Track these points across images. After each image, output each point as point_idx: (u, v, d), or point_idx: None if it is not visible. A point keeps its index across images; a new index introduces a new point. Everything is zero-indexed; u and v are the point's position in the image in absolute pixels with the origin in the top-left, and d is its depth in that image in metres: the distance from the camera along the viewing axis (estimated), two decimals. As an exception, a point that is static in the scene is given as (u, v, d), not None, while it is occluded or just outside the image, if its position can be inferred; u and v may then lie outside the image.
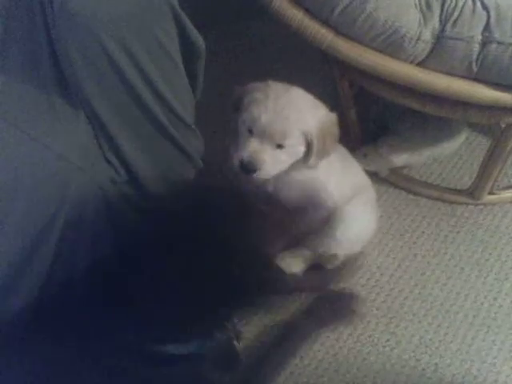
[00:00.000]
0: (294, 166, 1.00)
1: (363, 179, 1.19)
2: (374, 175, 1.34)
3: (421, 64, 1.03)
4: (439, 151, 1.37)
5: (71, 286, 0.89)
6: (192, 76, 0.93)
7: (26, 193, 0.78)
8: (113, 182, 0.88)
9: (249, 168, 0.94)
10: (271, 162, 0.95)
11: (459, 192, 1.34)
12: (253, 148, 0.94)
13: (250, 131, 0.95)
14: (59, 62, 0.80)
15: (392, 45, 1.00)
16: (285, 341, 1.04)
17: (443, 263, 1.23)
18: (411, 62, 1.02)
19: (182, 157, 0.96)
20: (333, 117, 0.99)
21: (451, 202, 1.33)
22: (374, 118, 1.41)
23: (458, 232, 1.29)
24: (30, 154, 0.78)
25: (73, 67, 0.78)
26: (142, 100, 0.83)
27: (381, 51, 1.02)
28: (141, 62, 0.79)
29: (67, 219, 0.83)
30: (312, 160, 0.98)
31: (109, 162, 0.87)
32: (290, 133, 0.94)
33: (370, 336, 1.11)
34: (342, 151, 1.15)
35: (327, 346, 1.08)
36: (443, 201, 1.34)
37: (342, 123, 1.32)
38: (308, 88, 1.01)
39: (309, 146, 0.97)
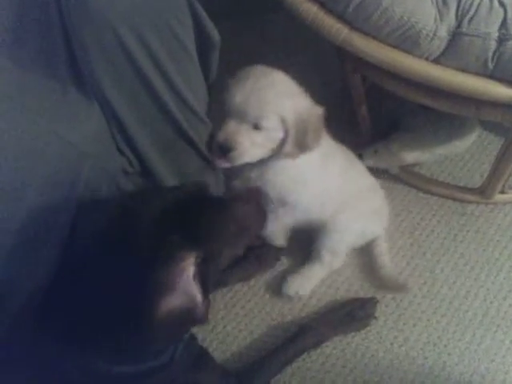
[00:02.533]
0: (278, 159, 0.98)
1: (368, 183, 1.18)
2: (384, 172, 1.34)
3: (436, 60, 1.02)
4: (451, 149, 1.36)
5: (81, 275, 0.88)
6: (205, 68, 0.92)
7: (38, 181, 0.77)
8: (125, 172, 0.87)
9: (224, 148, 0.92)
10: (247, 143, 0.92)
11: (470, 190, 1.33)
12: (228, 128, 0.92)
13: (228, 113, 0.92)
14: (73, 52, 0.80)
15: (407, 40, 0.99)
16: (295, 341, 1.04)
17: (453, 262, 1.22)
18: (426, 59, 1.01)
19: (191, 150, 0.95)
20: (318, 110, 0.96)
21: (462, 201, 1.33)
22: (386, 114, 1.40)
23: (468, 231, 1.28)
24: (43, 143, 0.77)
25: (87, 57, 0.77)
26: (155, 90, 0.82)
27: (396, 47, 1.01)
28: (155, 53, 0.79)
29: (79, 208, 0.82)
30: (288, 149, 0.95)
31: (121, 152, 0.86)
32: (266, 114, 0.91)
33: (378, 333, 1.11)
34: (347, 155, 1.14)
35: (335, 342, 1.09)
36: (454, 199, 1.33)
37: (353, 119, 1.35)
38: (319, 83, 1.01)
39: (286, 136, 0.94)
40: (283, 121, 0.92)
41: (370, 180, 1.19)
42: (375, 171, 1.31)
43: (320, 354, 1.07)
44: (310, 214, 1.09)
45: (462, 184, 1.36)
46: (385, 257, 1.17)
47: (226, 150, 0.91)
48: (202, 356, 0.92)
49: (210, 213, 0.76)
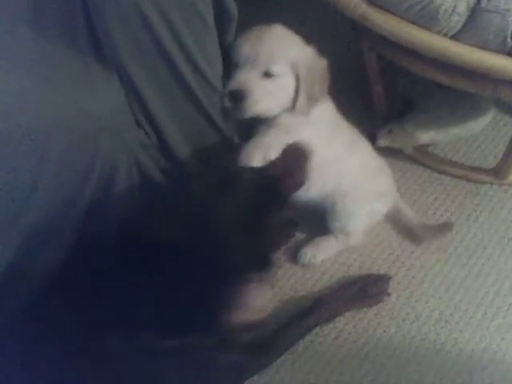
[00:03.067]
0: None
1: (375, 163, 1.17)
2: (398, 152, 1.34)
3: (454, 37, 1.01)
4: (465, 129, 1.36)
5: (101, 249, 0.90)
6: (221, 41, 0.92)
7: (58, 153, 0.79)
8: (143, 145, 0.88)
9: (236, 96, 0.91)
10: (259, 90, 0.92)
11: (484, 171, 1.33)
12: (239, 77, 0.92)
13: (236, 64, 0.93)
14: (93, 25, 0.81)
15: (426, 16, 0.99)
16: (308, 315, 1.05)
17: (465, 241, 1.23)
18: (444, 35, 1.01)
19: (206, 122, 0.96)
20: (324, 61, 0.97)
21: (475, 181, 1.33)
22: (401, 94, 1.40)
23: (482, 211, 1.28)
24: (64, 114, 0.79)
25: (108, 30, 0.78)
26: (174, 63, 0.83)
27: (414, 22, 1.01)
28: (175, 26, 0.79)
29: (98, 181, 0.84)
30: (300, 101, 0.95)
31: (139, 125, 0.87)
32: (276, 59, 0.92)
33: (390, 309, 1.12)
34: (354, 132, 1.13)
35: (347, 317, 1.10)
36: (467, 179, 1.33)
37: (368, 99, 1.35)
38: (334, 63, 1.01)
39: (297, 85, 0.95)
40: (294, 66, 0.93)
41: (376, 160, 1.18)
42: (389, 151, 1.31)
43: (332, 329, 1.08)
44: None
45: (476, 164, 1.36)
46: (410, 213, 1.19)
47: (238, 98, 0.91)
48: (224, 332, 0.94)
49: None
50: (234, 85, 0.92)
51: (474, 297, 1.14)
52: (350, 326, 1.09)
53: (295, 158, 0.93)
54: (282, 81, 0.94)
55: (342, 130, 1.09)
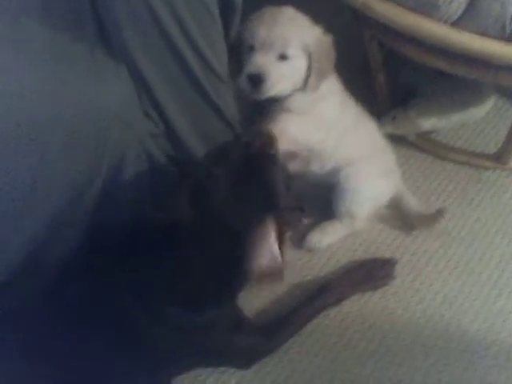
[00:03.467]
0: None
1: (380, 143, 1.21)
2: (401, 139, 1.36)
3: (454, 24, 1.03)
4: (467, 116, 1.38)
5: (113, 235, 0.93)
6: (225, 30, 0.94)
7: (69, 142, 0.81)
8: (151, 134, 0.91)
9: (256, 80, 0.96)
10: (276, 73, 0.97)
11: (486, 157, 1.35)
12: (257, 61, 0.97)
13: (252, 47, 0.98)
14: (102, 19, 0.83)
15: (426, 4, 1.01)
16: (316, 298, 1.08)
17: (468, 225, 1.25)
18: (445, 22, 1.03)
19: (213, 112, 0.98)
20: (329, 38, 1.02)
21: (478, 167, 1.35)
22: (403, 81, 1.42)
23: (484, 196, 1.30)
24: (73, 105, 0.81)
25: (115, 19, 0.80)
26: (180, 52, 0.85)
27: (415, 10, 1.03)
28: (181, 15, 0.81)
29: (108, 170, 0.86)
30: (312, 79, 1.01)
31: (148, 115, 0.89)
32: (291, 40, 0.97)
33: (395, 292, 1.14)
34: (359, 110, 1.17)
35: (353, 300, 1.12)
36: (470, 165, 1.35)
37: (371, 86, 1.37)
38: (337, 52, 1.04)
39: (308, 64, 1.00)
40: (306, 48, 0.98)
41: (381, 140, 1.21)
42: (392, 138, 1.33)
43: (339, 312, 1.10)
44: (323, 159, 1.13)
45: (478, 150, 1.38)
46: (412, 200, 1.22)
47: (257, 80, 0.96)
48: (237, 312, 0.97)
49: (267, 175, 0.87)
50: (252, 68, 0.97)
51: (477, 279, 1.16)
52: (356, 309, 1.11)
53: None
54: (295, 62, 0.99)
55: (350, 104, 1.13)
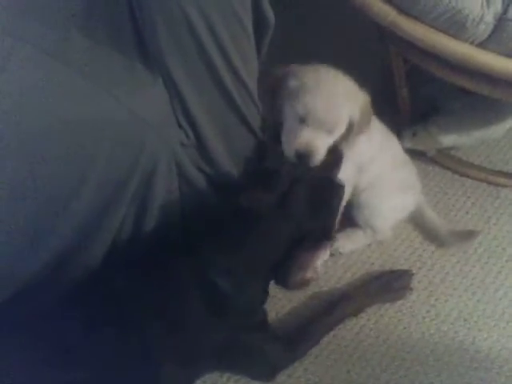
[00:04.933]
0: None
1: (402, 157, 1.22)
2: (421, 154, 1.37)
3: (480, 45, 1.04)
4: (488, 133, 1.39)
5: (137, 246, 0.95)
6: (257, 49, 0.96)
7: (106, 151, 0.83)
8: (182, 145, 0.92)
9: (303, 155, 0.97)
10: (323, 150, 0.98)
11: (505, 175, 1.36)
12: (307, 137, 0.97)
13: (303, 120, 0.97)
14: (140, 30, 0.85)
15: (454, 25, 1.02)
16: (336, 308, 1.09)
17: (485, 243, 1.26)
18: (471, 43, 1.04)
19: (243, 126, 1.00)
20: (368, 98, 1.02)
21: (496, 184, 1.36)
22: (425, 96, 1.43)
23: (502, 213, 1.31)
24: (111, 113, 0.83)
25: (154, 34, 0.82)
26: (216, 69, 0.87)
27: (442, 31, 1.04)
28: (219, 33, 0.83)
29: (141, 176, 0.88)
30: (350, 139, 1.01)
31: (180, 126, 0.91)
32: (342, 121, 0.98)
33: (410, 307, 1.16)
34: (383, 127, 1.17)
35: (369, 313, 1.14)
36: (488, 183, 1.36)
37: (393, 101, 1.38)
38: (360, 64, 1.04)
39: (349, 127, 1.00)
40: (351, 118, 0.99)
41: (403, 155, 1.23)
42: (412, 153, 1.34)
43: (355, 325, 1.12)
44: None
45: (497, 168, 1.39)
46: (434, 216, 1.24)
47: (305, 156, 0.97)
48: (257, 315, 0.99)
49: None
50: (302, 145, 0.97)
51: (492, 297, 1.17)
52: (372, 322, 1.13)
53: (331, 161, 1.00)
54: (341, 132, 0.99)
55: (377, 128, 1.13)
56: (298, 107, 0.97)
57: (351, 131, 1.00)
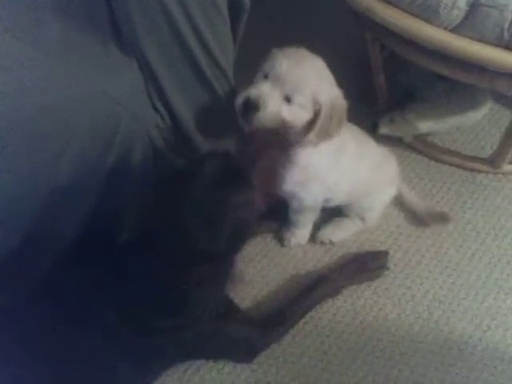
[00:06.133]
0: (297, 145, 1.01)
1: (381, 158, 1.20)
2: (398, 141, 1.39)
3: (454, 30, 1.06)
4: (463, 120, 1.41)
5: (116, 223, 0.95)
6: (233, 30, 0.97)
7: (82, 132, 0.84)
8: (158, 128, 0.93)
9: (251, 106, 0.91)
10: (273, 109, 0.92)
11: (480, 160, 1.38)
12: (262, 89, 0.91)
13: (266, 76, 0.93)
14: (114, 13, 0.85)
15: (428, 10, 1.04)
16: (314, 290, 1.11)
17: (460, 226, 1.28)
18: (445, 28, 1.06)
19: (218, 108, 1.01)
20: (345, 103, 0.98)
21: (472, 170, 1.38)
22: (402, 83, 1.45)
23: (477, 198, 1.33)
24: (85, 94, 0.83)
25: (127, 14, 0.83)
26: (189, 48, 0.88)
27: (416, 16, 1.05)
28: (192, 13, 0.84)
29: (116, 160, 0.89)
30: (312, 135, 0.95)
31: (156, 109, 0.92)
32: (303, 88, 0.92)
33: (386, 289, 1.18)
34: (358, 139, 1.14)
35: (345, 295, 1.15)
36: (464, 168, 1.38)
37: (370, 88, 1.39)
38: (336, 52, 1.05)
39: (314, 118, 0.95)
40: (315, 103, 0.93)
41: (382, 154, 1.21)
42: (389, 139, 1.37)
43: (331, 306, 1.14)
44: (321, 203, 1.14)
45: (472, 154, 1.41)
46: (413, 196, 1.27)
47: (252, 107, 0.90)
48: (228, 305, 1.00)
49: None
50: (254, 92, 0.91)
51: (466, 279, 1.20)
52: (348, 304, 1.15)
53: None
54: (298, 111, 0.94)
55: (349, 145, 1.08)
56: (264, 65, 0.94)
57: (314, 123, 0.95)
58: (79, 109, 0.82)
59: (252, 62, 0.98)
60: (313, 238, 1.23)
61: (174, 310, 0.89)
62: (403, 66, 1.41)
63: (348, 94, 1.14)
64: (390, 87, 1.38)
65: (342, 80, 1.13)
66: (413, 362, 1.08)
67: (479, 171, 1.38)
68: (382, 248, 1.23)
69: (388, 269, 1.19)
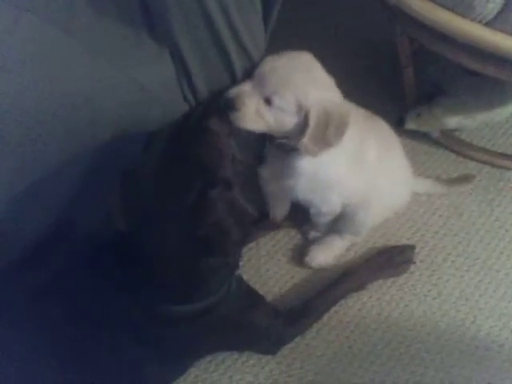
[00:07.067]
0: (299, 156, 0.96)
1: (401, 164, 1.17)
2: (425, 135, 1.38)
3: (488, 24, 1.04)
4: (492, 116, 1.38)
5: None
6: (265, 22, 0.96)
7: (111, 119, 0.84)
8: None
9: (229, 105, 0.87)
10: (252, 110, 0.88)
11: (508, 157, 1.36)
12: (243, 87, 0.89)
13: (250, 75, 0.90)
14: (147, 2, 0.85)
15: (462, 3, 1.02)
16: (338, 284, 1.10)
17: (488, 224, 1.26)
18: (479, 22, 1.04)
19: None
20: (345, 107, 0.92)
21: (499, 167, 1.36)
22: (430, 78, 1.42)
23: (505, 196, 1.31)
24: (117, 84, 0.84)
25: (163, 6, 0.82)
26: (221, 39, 0.87)
27: (450, 9, 1.04)
28: (226, 3, 0.83)
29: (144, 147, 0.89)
30: (305, 141, 0.89)
31: (185, 99, 0.92)
32: (282, 92, 0.87)
33: (412, 285, 1.16)
34: (381, 141, 1.08)
35: (371, 291, 1.14)
36: (492, 165, 1.36)
37: (398, 82, 1.38)
38: (366, 46, 1.04)
39: (303, 126, 0.89)
40: (300, 107, 0.88)
41: (402, 159, 1.17)
42: (416, 134, 1.35)
43: (357, 301, 1.13)
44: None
45: (500, 150, 1.39)
46: (429, 184, 1.28)
47: (230, 107, 0.88)
48: (252, 294, 0.99)
49: None
50: (232, 92, 0.89)
51: (494, 277, 1.18)
52: (374, 300, 1.14)
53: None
54: (280, 114, 0.89)
55: (369, 148, 1.04)
56: (258, 64, 0.91)
57: (305, 130, 0.89)
58: (109, 99, 0.82)
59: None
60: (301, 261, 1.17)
61: (199, 293, 0.87)
62: (432, 60, 1.38)
63: (374, 88, 1.14)
64: (418, 81, 1.36)
65: (369, 74, 1.13)
66: (438, 360, 1.07)
67: (507, 168, 1.36)
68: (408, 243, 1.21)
69: (414, 263, 1.17)
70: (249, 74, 0.92)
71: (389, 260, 1.15)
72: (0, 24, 0.80)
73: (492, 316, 1.13)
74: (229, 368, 1.04)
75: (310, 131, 0.88)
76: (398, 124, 1.32)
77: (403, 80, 1.35)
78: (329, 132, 0.89)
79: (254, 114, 0.89)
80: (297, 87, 0.87)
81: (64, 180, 0.87)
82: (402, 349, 1.08)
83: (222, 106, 0.88)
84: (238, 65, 0.92)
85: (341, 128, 0.91)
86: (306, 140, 0.89)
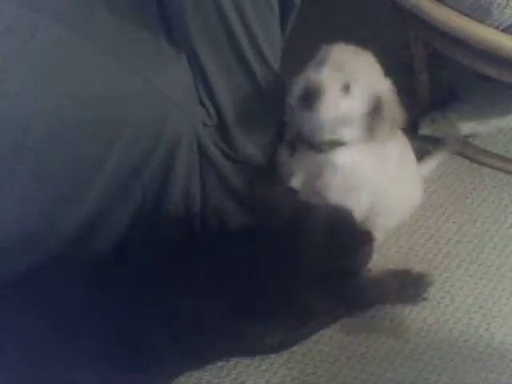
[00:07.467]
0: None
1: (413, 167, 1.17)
2: (439, 141, 1.37)
3: (505, 30, 1.03)
4: (506, 122, 1.38)
5: (157, 227, 0.95)
6: (282, 27, 0.96)
7: (129, 127, 0.84)
8: (204, 124, 0.93)
9: (312, 94, 0.84)
10: (333, 100, 0.86)
11: (522, 164, 1.36)
12: (321, 75, 0.86)
13: (321, 62, 0.88)
14: (165, 7, 0.85)
15: (479, 9, 1.01)
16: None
17: (502, 231, 1.25)
18: (496, 28, 1.03)
19: (262, 105, 1.00)
20: (397, 99, 0.94)
21: (513, 173, 1.35)
22: (444, 83, 1.42)
23: (519, 202, 1.31)
24: (135, 88, 0.84)
25: (181, 11, 0.82)
26: (239, 44, 0.87)
27: (467, 15, 1.03)
28: (244, 8, 0.83)
29: (162, 156, 0.89)
30: (384, 129, 0.91)
31: (203, 104, 0.92)
32: (360, 75, 0.88)
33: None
34: (401, 148, 1.09)
35: (384, 298, 1.14)
36: (506, 171, 1.35)
37: (411, 87, 1.37)
38: (378, 50, 1.03)
39: (374, 114, 0.91)
40: (372, 96, 0.90)
41: (414, 163, 1.17)
42: (430, 140, 1.34)
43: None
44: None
45: (514, 157, 1.38)
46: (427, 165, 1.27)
47: (314, 95, 0.84)
48: None
49: None
50: (313, 80, 0.85)
51: (508, 285, 1.17)
52: (387, 306, 1.13)
53: None
54: (354, 103, 0.89)
55: (393, 152, 1.04)
56: (318, 54, 0.91)
57: (378, 118, 0.91)
58: (128, 104, 0.83)
59: (294, 59, 0.95)
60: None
61: None
62: (446, 65, 1.38)
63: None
64: (432, 86, 1.35)
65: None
66: (452, 367, 1.07)
67: (521, 175, 1.35)
68: (422, 251, 1.21)
69: (426, 299, 1.09)
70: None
71: (400, 289, 1.07)
72: (0, 23, 0.79)
73: (506, 324, 1.12)
74: (241, 373, 1.04)
75: (387, 116, 0.90)
76: (411, 129, 1.31)
77: (417, 85, 1.35)
78: (389, 122, 0.91)
79: (336, 103, 0.87)
80: (371, 76, 0.91)
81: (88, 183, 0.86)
82: (415, 356, 1.08)
83: (298, 104, 0.87)
84: (257, 69, 0.92)
85: (395, 122, 0.94)
86: (386, 126, 0.91)
